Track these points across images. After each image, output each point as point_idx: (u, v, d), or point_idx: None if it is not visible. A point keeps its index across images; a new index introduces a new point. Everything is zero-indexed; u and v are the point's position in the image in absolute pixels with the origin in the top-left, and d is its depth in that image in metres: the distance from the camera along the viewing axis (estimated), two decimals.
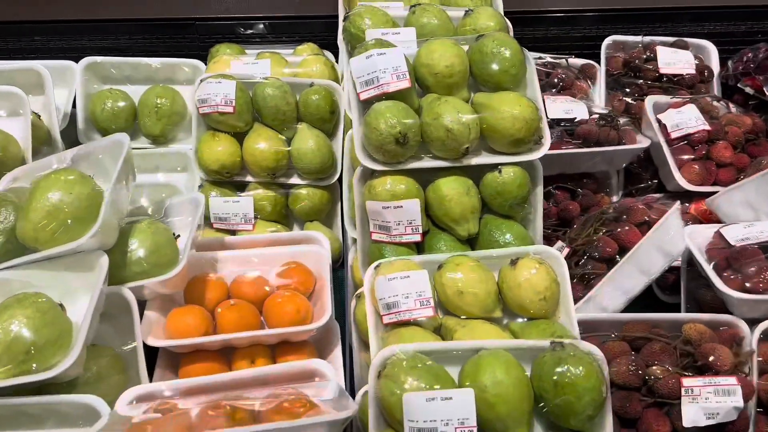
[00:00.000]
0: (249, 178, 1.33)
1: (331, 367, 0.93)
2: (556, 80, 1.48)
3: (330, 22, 1.52)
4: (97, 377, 0.95)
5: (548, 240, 1.32)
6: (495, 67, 1.02)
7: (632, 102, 1.49)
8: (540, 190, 1.06)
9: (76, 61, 1.51)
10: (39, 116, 1.39)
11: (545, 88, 1.48)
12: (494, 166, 1.01)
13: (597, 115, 1.37)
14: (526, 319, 0.95)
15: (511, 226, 1.03)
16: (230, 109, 1.26)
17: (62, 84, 1.53)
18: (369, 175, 1.02)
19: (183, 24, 1.57)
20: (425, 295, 0.92)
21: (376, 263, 0.96)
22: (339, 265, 1.35)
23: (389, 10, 1.18)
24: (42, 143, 1.39)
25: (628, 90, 1.54)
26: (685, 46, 1.57)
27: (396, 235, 1.00)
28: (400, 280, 0.92)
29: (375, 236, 1.02)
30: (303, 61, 1.41)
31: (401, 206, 0.98)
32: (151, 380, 1.03)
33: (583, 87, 1.52)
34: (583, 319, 1.03)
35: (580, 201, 1.36)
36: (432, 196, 1.01)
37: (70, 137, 1.53)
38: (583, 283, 1.13)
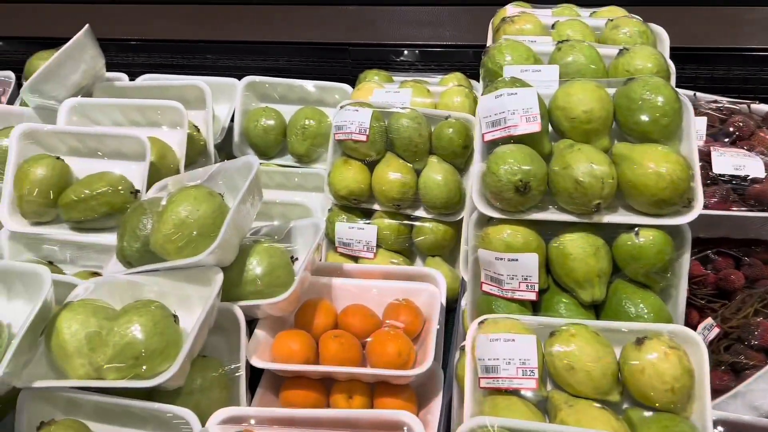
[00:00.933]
0: (376, 207, 1.32)
1: (420, 423, 0.87)
2: (731, 129, 1.29)
3: (481, 52, 1.47)
4: (200, 389, 0.98)
5: (700, 311, 1.15)
6: (643, 116, 0.90)
7: None
8: (686, 260, 0.91)
9: (240, 79, 1.62)
10: (198, 129, 1.50)
11: (718, 137, 1.29)
12: (631, 227, 0.89)
13: None
14: (648, 410, 0.82)
15: (647, 296, 0.90)
16: (363, 138, 1.26)
17: (226, 100, 1.65)
18: (485, 221, 0.95)
19: (337, 48, 1.62)
20: (530, 364, 0.83)
21: (481, 318, 0.89)
22: (456, 303, 1.29)
23: (535, 45, 1.10)
24: (198, 154, 1.51)
25: None
26: None
27: (508, 290, 0.92)
28: (503, 342, 0.84)
29: (485, 287, 0.95)
30: (445, 92, 1.38)
31: (516, 259, 0.90)
32: (253, 397, 1.05)
33: (765, 139, 1.30)
34: (726, 419, 0.86)
35: (746, 271, 1.16)
36: (555, 252, 0.92)
37: (226, 149, 1.65)
38: (732, 373, 0.96)
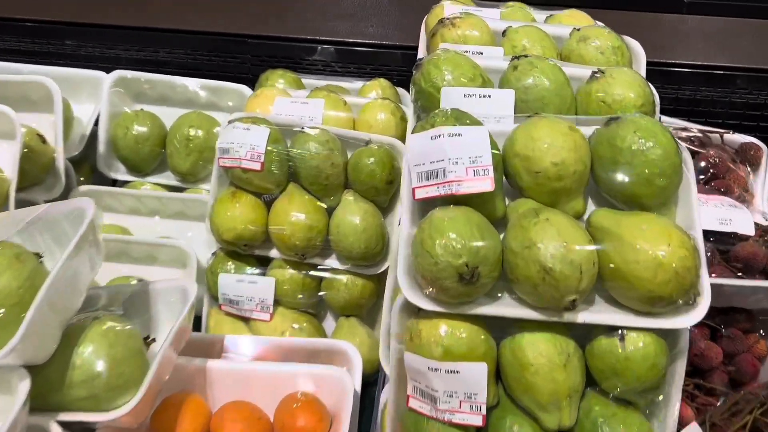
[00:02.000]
0: (273, 253, 1.02)
1: None
2: (705, 164, 1.08)
3: (412, 54, 1.19)
4: None
5: None
6: (632, 173, 0.65)
7: None
8: (682, 366, 0.68)
9: (108, 72, 1.27)
10: (44, 139, 1.14)
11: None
12: (614, 329, 0.64)
13: (761, 228, 0.96)
14: None
15: (630, 419, 0.66)
16: (257, 166, 0.96)
17: (89, 98, 1.30)
18: (414, 311, 0.68)
19: (234, 41, 1.29)
20: None
21: None
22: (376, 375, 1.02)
23: (481, 58, 0.83)
24: (45, 172, 1.15)
25: None
26: None
27: (445, 410, 0.65)
28: None
29: (413, 403, 0.68)
30: (366, 107, 1.09)
31: (457, 371, 0.64)
32: None
33: (740, 176, 1.10)
34: None
35: (724, 345, 0.96)
36: (509, 357, 0.66)
37: (90, 161, 1.30)
38: None
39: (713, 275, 0.90)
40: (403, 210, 0.69)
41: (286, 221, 0.96)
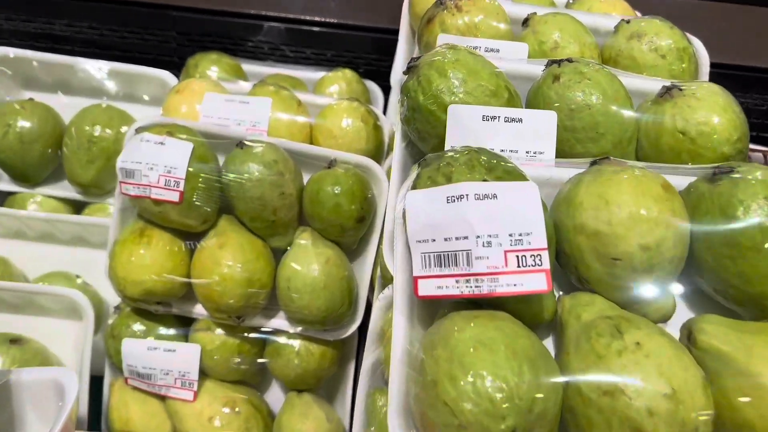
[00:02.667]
0: (198, 310, 0.75)
1: None
2: None
3: (387, 40, 0.93)
4: None
5: None
6: (764, 263, 0.41)
7: None
8: None
9: None
10: None
11: None
12: None
13: None
14: None
15: None
16: (174, 197, 0.68)
17: None
18: None
19: (154, 13, 0.99)
20: None
21: None
22: None
23: (499, 58, 0.58)
24: None
25: None
26: None
27: None
28: None
29: None
30: (328, 110, 0.82)
31: None
32: None
33: None
34: None
35: None
36: None
37: None
38: None
39: None
40: (396, 307, 0.43)
41: (216, 272, 0.69)
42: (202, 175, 0.70)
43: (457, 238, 0.41)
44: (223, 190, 0.71)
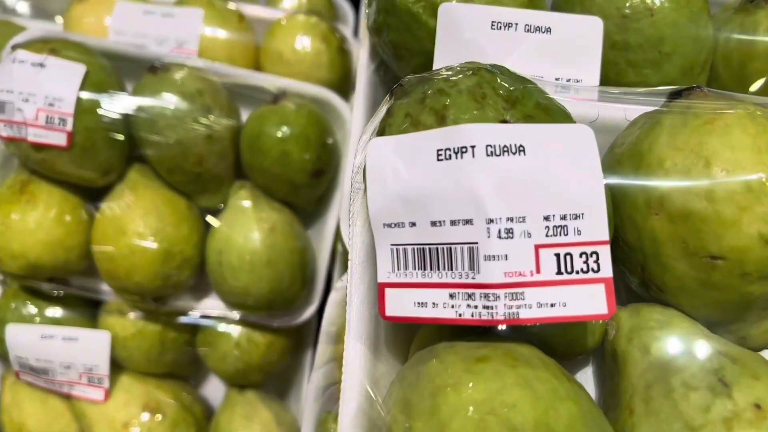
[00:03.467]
0: (104, 290, 0.57)
1: None
2: None
3: None
4: None
5: None
6: None
7: None
8: None
9: None
10: None
11: None
12: None
13: None
14: None
15: None
16: (60, 139, 0.49)
17: None
18: None
19: None
20: None
21: None
22: None
23: None
24: None
25: None
26: None
27: None
28: None
29: None
30: (277, 26, 0.63)
31: None
32: None
33: None
34: None
35: None
36: None
37: None
38: None
39: None
40: (350, 327, 0.27)
41: (122, 242, 0.52)
42: (99, 109, 0.51)
43: (453, 222, 0.23)
44: (132, 132, 0.53)
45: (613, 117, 0.31)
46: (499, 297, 0.23)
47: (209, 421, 0.62)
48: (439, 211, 0.24)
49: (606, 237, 0.23)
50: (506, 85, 0.25)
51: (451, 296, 0.24)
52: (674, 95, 0.28)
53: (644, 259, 0.27)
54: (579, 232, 0.23)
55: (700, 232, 0.25)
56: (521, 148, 0.23)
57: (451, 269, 0.24)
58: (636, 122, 0.28)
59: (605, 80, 0.36)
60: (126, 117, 0.52)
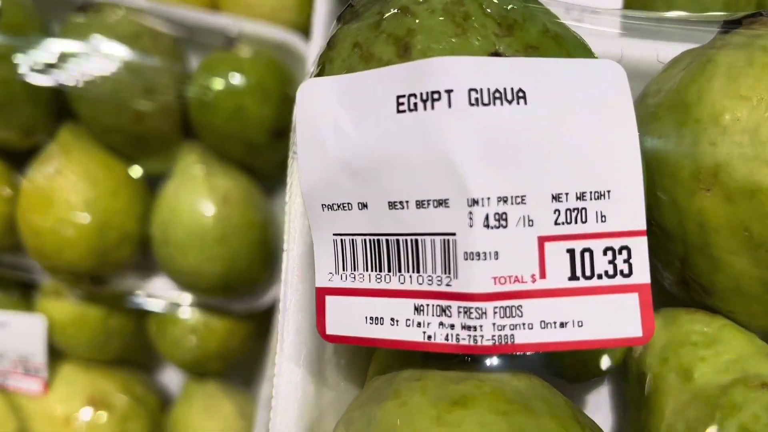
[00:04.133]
0: (37, 269, 0.50)
1: None
2: None
3: None
4: None
5: None
6: None
7: None
8: None
9: None
10: None
11: None
12: None
13: None
14: None
15: None
16: None
17: None
18: None
19: None
20: None
21: None
22: None
23: None
24: None
25: None
26: None
27: None
28: None
29: None
30: None
31: None
32: None
33: None
34: None
35: None
36: None
37: None
38: None
39: None
40: (282, 345, 0.19)
41: (50, 214, 0.44)
42: (17, 56, 0.43)
43: (421, 204, 0.16)
44: (61, 86, 0.44)
45: (641, 56, 0.23)
46: (485, 313, 0.16)
47: (166, 414, 0.56)
48: (401, 188, 0.16)
49: (643, 225, 0.16)
50: (500, 3, 0.17)
51: (418, 310, 0.16)
52: (731, 23, 0.20)
53: (686, 250, 0.19)
54: (604, 219, 0.16)
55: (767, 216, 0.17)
56: (521, 94, 0.16)
57: (418, 271, 0.16)
58: (678, 62, 0.21)
59: (627, 6, 0.28)
60: (51, 66, 0.44)
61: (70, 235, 0.44)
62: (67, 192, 0.44)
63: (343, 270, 0.17)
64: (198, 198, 0.46)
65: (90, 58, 0.43)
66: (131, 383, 0.55)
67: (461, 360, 0.17)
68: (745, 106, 0.18)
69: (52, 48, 0.44)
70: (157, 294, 0.51)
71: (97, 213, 0.45)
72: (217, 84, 0.45)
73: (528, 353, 0.17)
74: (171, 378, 0.59)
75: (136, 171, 0.48)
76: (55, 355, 0.52)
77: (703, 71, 0.19)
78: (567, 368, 0.20)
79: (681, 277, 0.20)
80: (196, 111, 0.46)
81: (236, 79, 0.45)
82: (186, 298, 0.51)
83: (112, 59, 0.43)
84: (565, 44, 0.17)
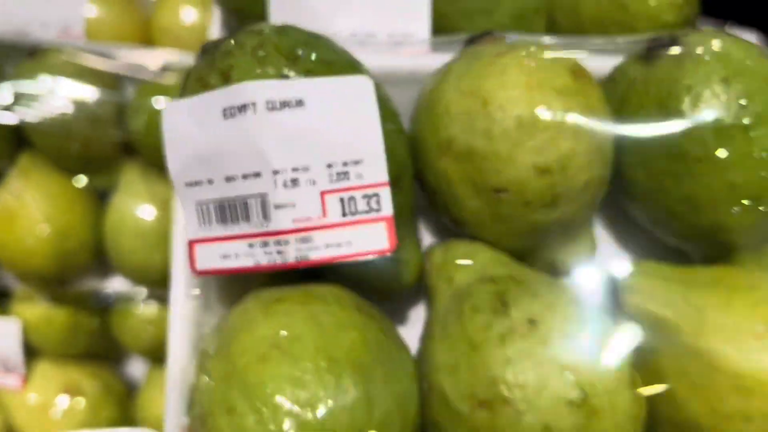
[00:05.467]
0: (11, 278, 0.58)
1: None
2: None
3: None
4: None
5: None
6: (719, 177, 0.27)
7: None
8: None
9: None
10: None
11: None
12: None
13: None
14: None
15: None
16: None
17: None
18: None
19: None
20: None
21: None
22: None
23: None
24: None
25: None
26: None
27: None
28: None
29: None
30: (161, 1, 0.63)
31: None
32: None
33: None
34: None
35: None
36: None
37: None
38: None
39: None
40: (175, 283, 0.28)
41: (15, 229, 0.52)
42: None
43: (245, 176, 0.25)
44: (19, 120, 0.53)
45: (429, 66, 0.32)
46: (289, 242, 0.25)
47: (133, 399, 0.64)
48: (232, 167, 0.25)
49: (385, 179, 0.25)
50: (288, 44, 0.26)
51: (250, 246, 0.25)
52: (469, 42, 0.30)
53: (444, 198, 0.29)
54: (360, 177, 0.25)
55: (482, 169, 0.27)
56: (300, 102, 0.25)
57: (248, 220, 0.25)
58: (438, 71, 0.30)
59: (439, 32, 0.37)
60: (9, 105, 0.52)
61: (34, 245, 0.52)
62: (29, 209, 0.53)
63: (203, 225, 0.26)
64: (141, 205, 0.54)
65: (42, 96, 0.51)
66: (100, 373, 0.63)
67: (303, 277, 0.26)
68: (463, 99, 0.27)
69: (8, 90, 0.52)
70: (116, 291, 0.59)
71: (56, 225, 0.53)
72: (150, 109, 0.53)
73: (345, 268, 0.26)
74: (136, 367, 0.67)
75: (87, 187, 0.56)
76: (31, 353, 0.60)
77: (444, 77, 0.28)
78: (376, 286, 0.29)
79: (449, 217, 0.29)
80: (134, 132, 0.55)
81: (162, 102, 0.53)
82: (141, 292, 0.59)
83: (60, 95, 0.52)
84: (334, 67, 0.26)
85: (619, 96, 0.30)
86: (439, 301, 0.28)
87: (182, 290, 0.28)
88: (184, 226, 0.28)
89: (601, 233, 0.33)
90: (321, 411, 0.22)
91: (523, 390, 0.23)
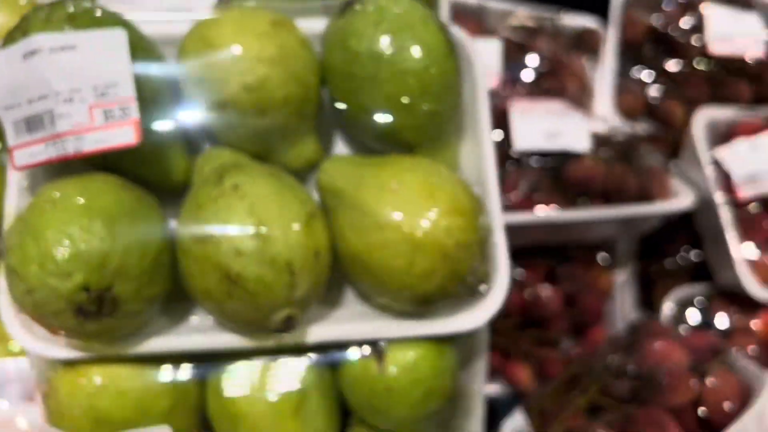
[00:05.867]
0: None
1: None
2: (537, 57, 0.86)
3: None
4: None
5: (506, 357, 0.76)
6: (380, 93, 0.40)
7: (658, 101, 0.88)
8: (482, 369, 0.47)
9: None
10: None
11: (516, 70, 0.86)
12: (370, 345, 0.41)
13: (600, 139, 0.76)
14: None
15: None
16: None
17: None
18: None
19: None
20: None
21: None
22: None
23: None
24: None
25: (652, 75, 0.92)
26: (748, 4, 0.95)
27: None
28: None
29: None
30: None
31: None
32: None
33: (576, 68, 0.90)
34: None
35: (563, 286, 0.78)
36: (214, 407, 0.41)
37: None
38: None
39: (546, 206, 0.69)
40: (7, 188, 0.40)
41: None
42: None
43: (40, 98, 0.37)
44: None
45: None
46: (69, 140, 0.37)
47: None
48: (30, 93, 0.37)
49: (132, 95, 0.37)
50: (74, 8, 0.38)
51: (45, 146, 0.37)
52: (220, 2, 0.42)
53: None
54: (117, 95, 0.37)
55: (212, 91, 0.39)
56: (73, 47, 0.37)
57: (43, 129, 0.37)
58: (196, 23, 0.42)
59: None
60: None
61: None
62: None
63: (19, 135, 0.38)
64: None
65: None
66: None
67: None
68: (195, 45, 0.39)
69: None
70: None
71: None
72: None
73: (121, 161, 0.37)
74: None
75: None
76: None
77: (196, 25, 0.41)
78: (152, 182, 0.41)
79: (208, 135, 0.42)
80: None
81: None
82: None
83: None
84: (103, 21, 0.38)
85: (327, 42, 0.42)
86: (192, 188, 0.40)
87: (12, 199, 0.40)
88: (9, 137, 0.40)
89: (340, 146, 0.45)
90: (74, 240, 0.34)
91: (223, 229, 0.35)
